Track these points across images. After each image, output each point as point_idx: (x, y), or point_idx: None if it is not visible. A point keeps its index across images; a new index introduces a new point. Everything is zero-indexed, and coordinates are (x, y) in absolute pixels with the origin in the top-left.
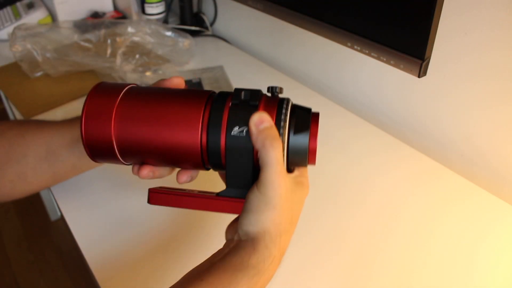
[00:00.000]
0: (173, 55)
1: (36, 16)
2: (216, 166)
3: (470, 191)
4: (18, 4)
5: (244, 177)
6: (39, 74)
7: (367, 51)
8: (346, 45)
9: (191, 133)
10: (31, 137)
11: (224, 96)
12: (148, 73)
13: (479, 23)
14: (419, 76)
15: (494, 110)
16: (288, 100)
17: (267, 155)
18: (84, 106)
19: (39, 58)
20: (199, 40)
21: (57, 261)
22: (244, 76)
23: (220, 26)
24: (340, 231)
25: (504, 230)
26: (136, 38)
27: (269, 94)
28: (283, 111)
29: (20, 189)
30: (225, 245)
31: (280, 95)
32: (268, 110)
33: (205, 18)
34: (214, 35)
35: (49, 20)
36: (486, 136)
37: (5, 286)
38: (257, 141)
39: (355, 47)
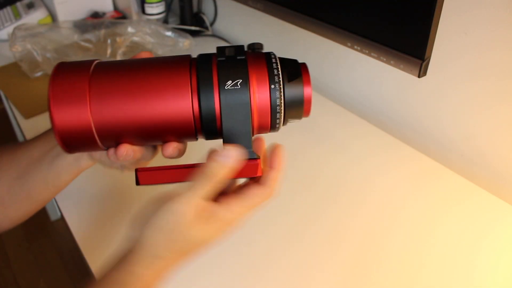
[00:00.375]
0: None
1: (36, 16)
2: (210, 133)
3: (470, 191)
4: (18, 4)
5: (243, 135)
6: (39, 74)
7: (367, 51)
8: (346, 45)
9: (181, 97)
10: (5, 160)
11: (206, 56)
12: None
13: (479, 23)
14: (419, 76)
15: (494, 110)
16: (273, 53)
17: (198, 182)
18: (49, 90)
19: (39, 58)
20: (199, 40)
21: (57, 261)
22: None
23: (220, 26)
24: (340, 231)
25: (504, 230)
26: (136, 38)
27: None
28: (273, 61)
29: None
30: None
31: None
32: (256, 62)
33: (205, 18)
34: (214, 35)
35: (49, 20)
36: (486, 136)
37: (5, 286)
38: (203, 166)
39: (355, 47)
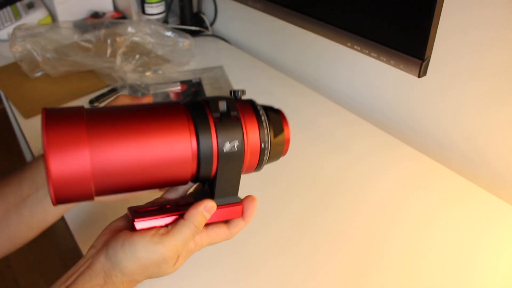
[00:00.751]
0: (173, 55)
1: (36, 16)
2: (201, 181)
3: (470, 191)
4: (18, 4)
5: (232, 186)
6: (39, 74)
7: (367, 51)
8: (346, 45)
9: (183, 143)
10: None
11: (199, 107)
12: (148, 73)
13: (479, 22)
14: (419, 76)
15: (494, 110)
16: (259, 106)
17: (186, 231)
18: (44, 139)
19: (39, 58)
20: (199, 40)
21: (57, 261)
22: (244, 76)
23: (220, 26)
24: (339, 231)
25: (504, 230)
26: (136, 38)
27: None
28: (263, 119)
29: None
30: (89, 251)
31: (243, 97)
32: (249, 122)
33: (205, 18)
34: (214, 35)
35: (49, 20)
36: (486, 136)
37: (5, 286)
38: (192, 216)
39: (355, 47)
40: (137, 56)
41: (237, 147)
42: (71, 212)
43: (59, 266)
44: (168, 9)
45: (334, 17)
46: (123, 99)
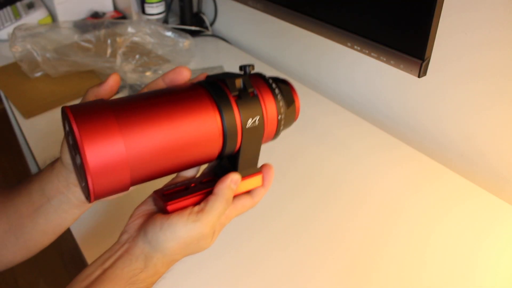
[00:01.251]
0: (173, 55)
1: (36, 16)
2: (227, 155)
3: (470, 191)
4: (18, 4)
5: (253, 158)
6: (39, 74)
7: (367, 51)
8: (346, 45)
9: (210, 123)
10: None
11: (217, 87)
12: (148, 73)
13: (479, 23)
14: (419, 76)
15: (494, 110)
16: (270, 79)
17: (219, 205)
18: (77, 135)
19: (39, 58)
20: (199, 40)
21: (57, 261)
22: None
23: (220, 26)
24: (339, 231)
25: (504, 230)
26: (136, 38)
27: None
28: (277, 92)
29: None
30: (122, 236)
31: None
32: (266, 96)
33: (205, 18)
34: (214, 35)
35: (49, 20)
36: (486, 136)
37: (5, 286)
38: (221, 191)
39: (355, 47)
40: (137, 56)
41: (258, 122)
42: None
43: (59, 266)
44: (168, 9)
45: (334, 17)
46: (182, 71)
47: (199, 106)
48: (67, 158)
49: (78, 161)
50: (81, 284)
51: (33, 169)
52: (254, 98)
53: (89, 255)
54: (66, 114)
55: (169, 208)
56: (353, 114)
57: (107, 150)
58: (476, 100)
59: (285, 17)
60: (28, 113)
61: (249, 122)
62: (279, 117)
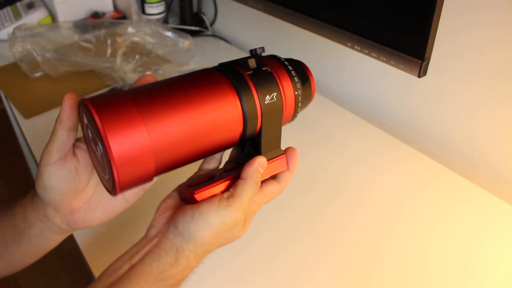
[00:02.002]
0: (173, 55)
1: (36, 16)
2: (248, 139)
3: (470, 191)
4: (18, 4)
5: (275, 139)
6: (39, 74)
7: (367, 51)
8: (346, 45)
9: (230, 105)
10: None
11: (231, 69)
12: (148, 73)
13: (479, 23)
14: (419, 76)
15: (494, 110)
16: (282, 59)
17: (249, 189)
18: (100, 126)
19: (39, 59)
20: (199, 40)
21: (57, 261)
22: None
23: (220, 26)
24: (340, 231)
25: (504, 230)
26: (136, 39)
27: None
28: (290, 69)
29: None
30: (150, 231)
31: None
32: (280, 73)
33: (205, 18)
34: (214, 35)
35: (49, 20)
36: (486, 136)
37: (5, 286)
38: (250, 174)
39: (355, 47)
40: (137, 56)
41: (275, 98)
42: None
43: (59, 266)
44: (168, 9)
45: (334, 17)
46: (148, 78)
47: (217, 88)
48: (41, 190)
49: (99, 153)
50: (109, 279)
51: (33, 169)
52: (269, 75)
53: (89, 255)
54: (86, 106)
55: (197, 196)
56: (354, 114)
57: (130, 140)
58: (477, 100)
59: (285, 17)
60: (28, 113)
61: (267, 98)
62: (296, 93)
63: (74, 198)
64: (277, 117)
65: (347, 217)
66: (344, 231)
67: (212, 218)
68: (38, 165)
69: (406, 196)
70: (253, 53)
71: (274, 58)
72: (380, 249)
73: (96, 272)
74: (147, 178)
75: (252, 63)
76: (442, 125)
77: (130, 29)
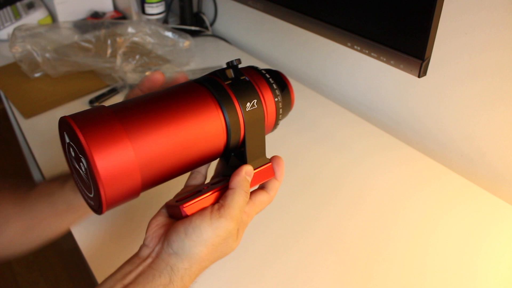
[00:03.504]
0: (173, 55)
1: (36, 16)
2: (234, 148)
3: (470, 191)
4: (18, 4)
5: (259, 146)
6: (38, 74)
7: (367, 51)
8: (346, 45)
9: (212, 115)
10: (11, 212)
11: (210, 80)
12: (148, 73)
13: (479, 23)
14: (419, 76)
15: (494, 110)
16: (259, 68)
17: (239, 198)
18: (84, 144)
19: (39, 59)
20: (199, 40)
21: (57, 261)
22: None
23: (220, 26)
24: (340, 231)
25: (504, 230)
26: (136, 39)
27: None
28: (268, 76)
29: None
30: (143, 250)
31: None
32: (259, 81)
33: (205, 18)
34: (214, 35)
35: (49, 20)
36: (486, 136)
37: (5, 286)
38: (238, 183)
39: (355, 47)
40: (137, 56)
41: (256, 104)
42: None
43: (59, 266)
44: (168, 9)
45: (334, 17)
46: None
47: (199, 100)
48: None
49: (83, 172)
50: None
51: (33, 169)
52: (248, 83)
53: (89, 255)
54: (67, 123)
55: (186, 210)
56: (354, 114)
57: (116, 156)
58: (476, 100)
59: (285, 17)
60: (28, 113)
61: (248, 105)
62: (276, 99)
63: None
64: (259, 124)
65: (346, 217)
66: (344, 231)
67: (206, 232)
68: None
69: (406, 196)
70: (230, 64)
71: (251, 68)
72: (380, 249)
73: (96, 272)
74: (134, 194)
75: (230, 73)
76: (442, 125)
77: (130, 29)
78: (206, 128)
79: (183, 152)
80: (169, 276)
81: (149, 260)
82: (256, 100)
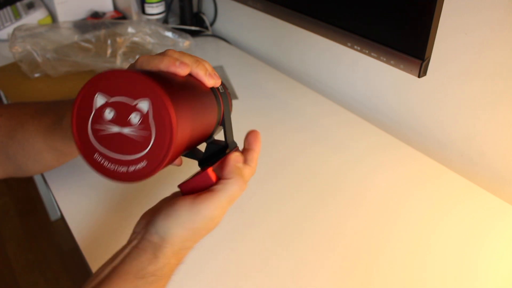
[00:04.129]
0: None
1: (36, 16)
2: (218, 124)
3: (470, 191)
4: (18, 4)
5: (231, 129)
6: (38, 74)
7: (367, 51)
8: (346, 45)
9: (209, 91)
10: (31, 121)
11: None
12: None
13: (479, 23)
14: (419, 76)
15: (494, 109)
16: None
17: (232, 187)
18: (158, 90)
19: (39, 59)
20: (199, 40)
21: (57, 261)
22: (244, 76)
23: (220, 26)
24: (339, 231)
25: (504, 230)
26: (136, 39)
27: None
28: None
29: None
30: (131, 237)
31: None
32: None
33: (205, 18)
34: (214, 35)
35: (49, 20)
36: (486, 136)
37: (5, 286)
38: (230, 171)
39: (355, 47)
40: (137, 56)
41: (223, 89)
42: (71, 212)
43: (59, 266)
44: (168, 9)
45: (334, 17)
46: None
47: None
48: None
49: (132, 128)
50: (91, 283)
51: None
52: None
53: (89, 255)
54: (122, 75)
55: (182, 186)
56: (353, 114)
57: (180, 105)
58: (476, 100)
59: (284, 17)
60: None
61: (220, 88)
62: (228, 91)
63: None
64: (228, 106)
65: (346, 217)
66: (343, 230)
67: (183, 216)
68: None
69: (405, 195)
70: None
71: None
72: (379, 248)
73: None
74: (181, 152)
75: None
76: (442, 124)
77: (130, 29)
78: (210, 98)
79: (202, 115)
80: (153, 252)
81: (135, 242)
82: (222, 86)
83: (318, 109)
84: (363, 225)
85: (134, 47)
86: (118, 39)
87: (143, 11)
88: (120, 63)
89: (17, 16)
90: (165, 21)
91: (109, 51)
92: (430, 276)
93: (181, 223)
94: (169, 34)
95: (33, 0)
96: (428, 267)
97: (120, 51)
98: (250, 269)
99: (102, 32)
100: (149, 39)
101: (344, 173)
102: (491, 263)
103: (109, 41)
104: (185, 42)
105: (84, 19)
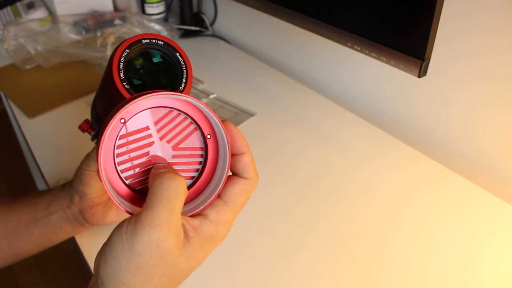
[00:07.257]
0: None
1: (36, 16)
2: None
3: (472, 192)
4: (18, 4)
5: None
6: (30, 66)
7: (367, 51)
8: (346, 45)
9: None
10: None
11: None
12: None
13: (480, 23)
14: (419, 76)
15: (496, 110)
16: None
17: (161, 212)
18: (212, 112)
19: (32, 51)
20: (199, 40)
21: (57, 261)
22: (244, 76)
23: (220, 26)
24: (342, 232)
25: (505, 231)
26: (123, 29)
27: None
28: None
29: None
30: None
31: None
32: None
33: (205, 18)
34: (214, 35)
35: (49, 20)
36: (487, 136)
37: (5, 286)
38: (155, 178)
39: (355, 47)
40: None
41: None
42: None
43: (59, 266)
44: (168, 9)
45: (334, 17)
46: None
47: None
48: (77, 181)
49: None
50: None
51: (33, 169)
52: None
53: (89, 255)
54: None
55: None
56: (356, 115)
57: None
58: (478, 101)
59: (285, 17)
60: (30, 113)
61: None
62: None
63: (101, 195)
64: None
65: (349, 218)
66: (346, 232)
67: (123, 253)
68: (79, 166)
69: (409, 197)
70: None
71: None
72: (382, 249)
73: None
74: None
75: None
76: (444, 126)
77: (117, 21)
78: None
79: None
80: None
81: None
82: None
83: (321, 111)
84: (366, 225)
85: (123, 38)
86: (106, 31)
87: (143, 11)
88: (110, 52)
89: (17, 16)
90: (165, 20)
91: (99, 41)
92: (432, 275)
93: (124, 264)
94: (154, 25)
95: (33, 0)
96: (430, 267)
97: (110, 41)
98: (253, 271)
99: (91, 24)
100: (136, 30)
101: (347, 175)
102: (492, 263)
103: (98, 33)
104: (171, 33)
105: (84, 19)
